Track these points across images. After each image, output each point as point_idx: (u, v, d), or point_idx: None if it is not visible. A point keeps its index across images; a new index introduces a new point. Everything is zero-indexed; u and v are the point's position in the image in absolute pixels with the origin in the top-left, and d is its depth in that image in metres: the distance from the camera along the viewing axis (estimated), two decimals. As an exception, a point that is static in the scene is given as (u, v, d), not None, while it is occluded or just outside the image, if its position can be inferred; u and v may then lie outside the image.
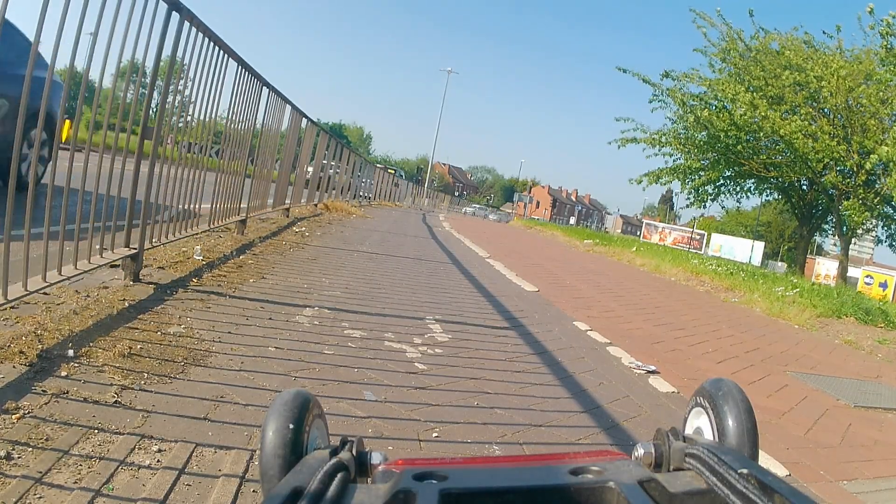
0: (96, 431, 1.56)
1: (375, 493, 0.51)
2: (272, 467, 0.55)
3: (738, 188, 21.62)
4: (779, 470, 2.26)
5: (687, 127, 19.22)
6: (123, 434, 1.58)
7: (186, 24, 3.28)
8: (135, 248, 3.12)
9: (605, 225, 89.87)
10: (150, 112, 3.32)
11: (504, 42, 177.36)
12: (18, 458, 1.38)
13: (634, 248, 13.92)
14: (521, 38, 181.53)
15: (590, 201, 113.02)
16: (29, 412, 1.58)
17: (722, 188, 21.31)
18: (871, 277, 19.36)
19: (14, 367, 1.81)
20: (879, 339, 6.66)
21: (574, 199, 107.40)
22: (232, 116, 4.94)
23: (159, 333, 2.40)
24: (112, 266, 3.06)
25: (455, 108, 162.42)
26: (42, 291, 2.37)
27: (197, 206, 4.17)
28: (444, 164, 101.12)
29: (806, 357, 4.90)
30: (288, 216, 8.18)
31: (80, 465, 1.41)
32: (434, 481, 0.52)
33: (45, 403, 1.65)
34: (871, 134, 15.83)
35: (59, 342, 2.06)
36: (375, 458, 0.59)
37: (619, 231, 70.28)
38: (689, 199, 21.32)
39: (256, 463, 1.19)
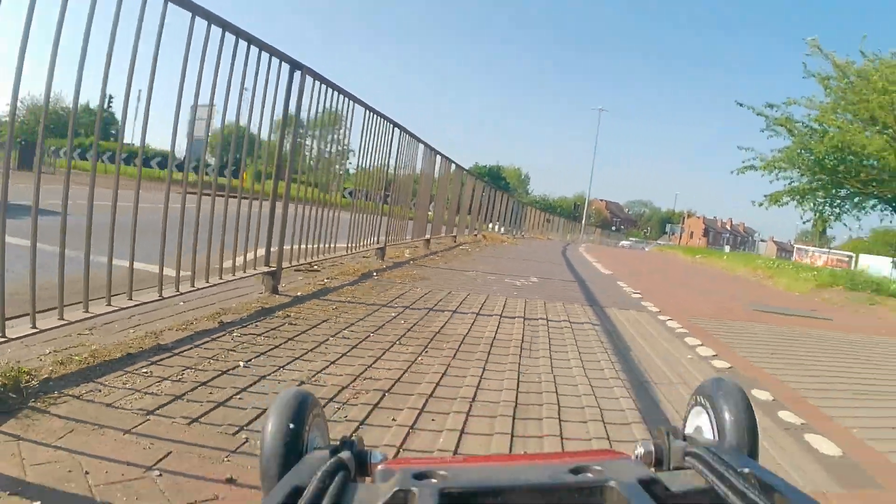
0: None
1: (375, 493, 0.51)
2: (272, 467, 0.56)
3: (856, 206, 20.52)
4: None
5: (792, 155, 19.00)
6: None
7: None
8: (273, 267, 3.69)
9: (758, 251, 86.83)
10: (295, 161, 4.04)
11: (655, 72, 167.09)
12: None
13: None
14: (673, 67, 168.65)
15: (744, 229, 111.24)
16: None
17: (841, 207, 20.48)
18: None
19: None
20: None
21: (729, 228, 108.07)
22: (399, 164, 6.36)
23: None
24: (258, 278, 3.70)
25: (610, 142, 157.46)
26: (205, 289, 3.17)
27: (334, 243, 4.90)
28: (602, 201, 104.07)
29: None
30: (455, 241, 10.28)
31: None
32: (433, 480, 0.52)
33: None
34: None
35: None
36: (375, 457, 0.60)
37: (774, 256, 67.33)
38: (808, 218, 20.94)
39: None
